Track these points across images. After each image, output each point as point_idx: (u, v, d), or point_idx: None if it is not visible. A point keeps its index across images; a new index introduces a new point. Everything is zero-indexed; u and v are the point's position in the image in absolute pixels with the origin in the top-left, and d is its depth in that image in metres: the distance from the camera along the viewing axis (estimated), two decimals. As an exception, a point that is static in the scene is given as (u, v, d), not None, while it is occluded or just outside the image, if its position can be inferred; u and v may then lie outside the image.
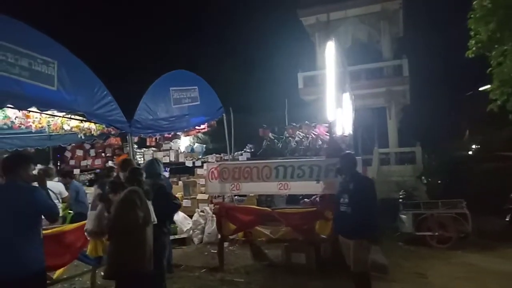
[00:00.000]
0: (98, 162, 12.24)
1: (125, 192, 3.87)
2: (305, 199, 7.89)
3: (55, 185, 6.31)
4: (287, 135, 10.27)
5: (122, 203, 3.78)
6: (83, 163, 12.47)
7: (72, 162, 12.52)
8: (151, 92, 6.71)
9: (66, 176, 7.77)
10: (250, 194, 7.77)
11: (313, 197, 7.99)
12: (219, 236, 5.71)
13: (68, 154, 12.72)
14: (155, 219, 3.90)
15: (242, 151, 10.63)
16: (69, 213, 7.45)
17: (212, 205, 9.13)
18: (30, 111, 4.58)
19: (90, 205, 6.07)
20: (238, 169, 5.77)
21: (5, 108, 4.64)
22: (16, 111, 4.72)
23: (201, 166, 10.65)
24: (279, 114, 12.94)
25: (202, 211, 8.35)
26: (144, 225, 3.76)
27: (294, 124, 10.46)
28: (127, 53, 18.50)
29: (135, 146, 8.67)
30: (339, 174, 4.42)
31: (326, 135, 10.16)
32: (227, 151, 10.00)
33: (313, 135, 10.09)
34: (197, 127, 9.06)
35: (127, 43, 21.31)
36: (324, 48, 15.86)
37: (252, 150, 10.56)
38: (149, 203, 3.90)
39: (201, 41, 18.22)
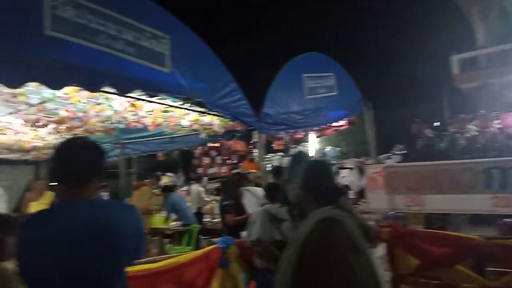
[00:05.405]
0: (224, 169, 11.84)
1: (313, 222, 1.73)
2: (504, 219, 5.38)
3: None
4: (453, 130, 7.72)
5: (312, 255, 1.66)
6: (210, 170, 12.21)
7: (199, 170, 12.37)
8: (281, 79, 5.44)
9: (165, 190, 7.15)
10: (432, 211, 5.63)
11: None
12: (391, 275, 3.81)
13: (195, 162, 12.63)
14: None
15: (390, 154, 8.49)
16: (195, 227, 6.57)
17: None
18: (136, 98, 3.54)
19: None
20: (415, 174, 3.82)
21: (110, 99, 3.75)
22: (122, 101, 3.78)
23: (336, 173, 9.04)
24: (432, 107, 10.28)
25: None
26: None
27: (464, 115, 7.84)
28: (245, 37, 16.73)
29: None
30: None
31: (516, 127, 7.31)
32: (368, 154, 8.20)
33: (495, 129, 7.33)
34: (334, 124, 7.35)
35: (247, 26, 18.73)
36: (484, 24, 12.64)
37: (404, 152, 8.32)
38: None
39: (332, 22, 15.70)
